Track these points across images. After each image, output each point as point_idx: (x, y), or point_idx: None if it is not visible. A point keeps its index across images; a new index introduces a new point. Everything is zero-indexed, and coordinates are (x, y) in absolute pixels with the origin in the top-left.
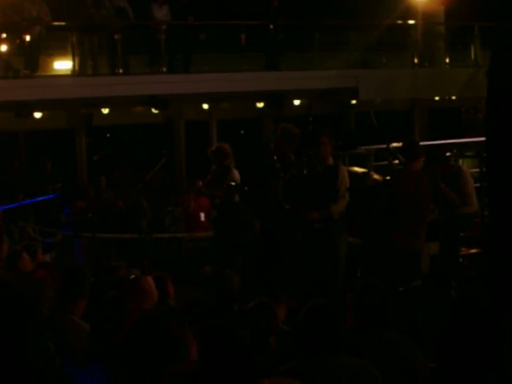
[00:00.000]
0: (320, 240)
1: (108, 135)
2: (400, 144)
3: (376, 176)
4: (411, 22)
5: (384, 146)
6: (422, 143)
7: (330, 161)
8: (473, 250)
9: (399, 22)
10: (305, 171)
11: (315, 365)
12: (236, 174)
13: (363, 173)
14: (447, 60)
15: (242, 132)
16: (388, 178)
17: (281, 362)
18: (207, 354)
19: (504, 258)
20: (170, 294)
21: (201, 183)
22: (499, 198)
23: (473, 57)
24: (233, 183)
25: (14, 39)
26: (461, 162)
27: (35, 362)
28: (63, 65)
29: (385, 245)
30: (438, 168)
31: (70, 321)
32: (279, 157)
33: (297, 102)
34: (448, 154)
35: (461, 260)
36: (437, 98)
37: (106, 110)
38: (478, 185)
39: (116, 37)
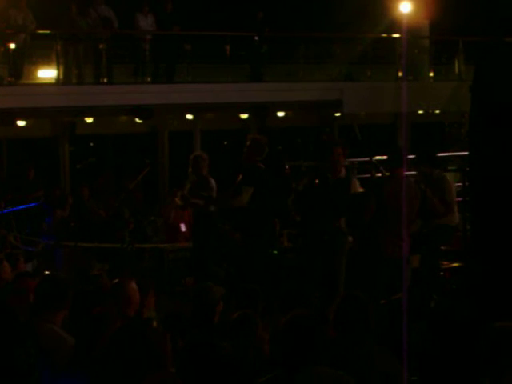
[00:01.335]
0: (327, 251)
1: (91, 144)
2: (383, 157)
3: (359, 188)
4: (396, 35)
5: (367, 158)
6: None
7: (343, 172)
8: (454, 264)
9: (384, 35)
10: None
11: (294, 375)
12: (213, 182)
13: None
14: (431, 74)
15: (225, 143)
16: (372, 185)
17: (262, 371)
18: (190, 365)
19: (483, 269)
20: (148, 305)
21: (179, 194)
22: (481, 211)
23: (457, 71)
24: (204, 193)
25: None
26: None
27: (20, 369)
28: (47, 73)
29: (372, 251)
30: (425, 168)
31: (50, 330)
32: (248, 166)
33: (281, 114)
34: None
35: (442, 273)
36: (420, 112)
37: (89, 119)
38: (460, 199)
39: (101, 46)
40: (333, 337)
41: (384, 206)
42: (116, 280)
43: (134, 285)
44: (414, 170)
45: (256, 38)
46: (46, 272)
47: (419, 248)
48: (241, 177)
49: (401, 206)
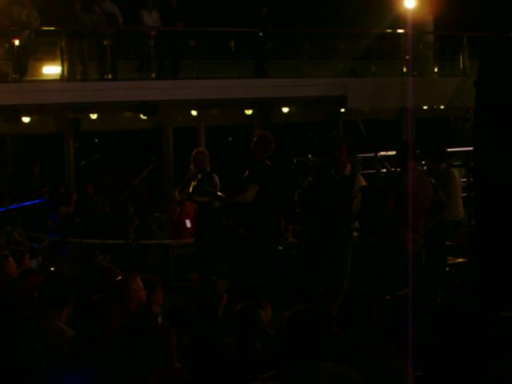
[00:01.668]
0: (330, 247)
1: (96, 140)
2: (388, 152)
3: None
4: (400, 31)
5: (372, 154)
6: None
7: (348, 169)
8: (459, 259)
9: (388, 31)
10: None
11: (298, 371)
12: (217, 179)
13: None
14: (436, 69)
15: (230, 139)
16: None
17: (267, 366)
18: (195, 360)
19: (488, 263)
20: (156, 300)
21: (176, 193)
22: (486, 206)
23: (461, 66)
24: (209, 189)
25: (2, 43)
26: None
27: (26, 364)
28: (52, 70)
29: (388, 245)
30: (435, 163)
31: (54, 326)
32: (255, 163)
33: (285, 110)
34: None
35: (447, 269)
36: (425, 108)
37: (94, 116)
38: (465, 194)
39: (105, 42)
40: (336, 333)
41: (404, 200)
42: (120, 277)
43: (138, 281)
44: (420, 164)
45: (260, 33)
46: (51, 268)
47: (425, 243)
48: (247, 173)
49: (418, 199)
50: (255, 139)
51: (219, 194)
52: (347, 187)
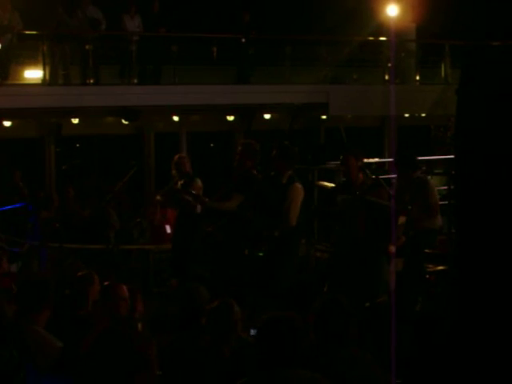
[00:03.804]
0: (279, 247)
1: (77, 145)
2: (370, 160)
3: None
4: (383, 38)
5: None
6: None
7: (285, 177)
8: (439, 267)
9: (371, 38)
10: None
11: (271, 378)
12: (200, 182)
13: (332, 187)
14: (417, 77)
15: (211, 145)
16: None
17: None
18: (173, 367)
19: (469, 274)
20: (137, 309)
21: (158, 197)
22: (467, 215)
23: (443, 74)
24: (194, 191)
25: None
26: (429, 178)
27: (4, 371)
28: (34, 74)
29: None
30: (407, 174)
31: (33, 331)
32: (241, 172)
33: (267, 116)
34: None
35: (427, 276)
36: (406, 115)
37: (75, 120)
38: (445, 202)
39: (87, 47)
40: (313, 340)
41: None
42: (106, 283)
43: (125, 288)
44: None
45: (243, 40)
46: (27, 273)
47: (403, 251)
48: (233, 183)
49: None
50: (240, 148)
51: (203, 198)
52: (281, 194)
